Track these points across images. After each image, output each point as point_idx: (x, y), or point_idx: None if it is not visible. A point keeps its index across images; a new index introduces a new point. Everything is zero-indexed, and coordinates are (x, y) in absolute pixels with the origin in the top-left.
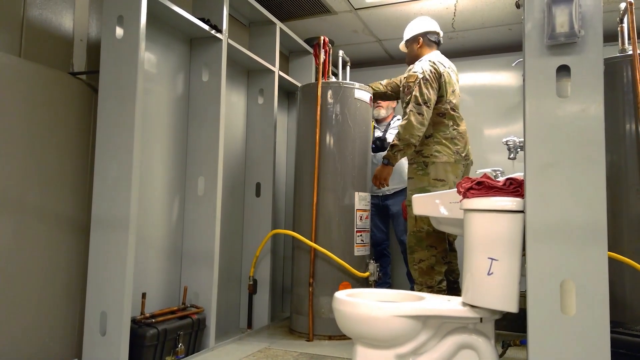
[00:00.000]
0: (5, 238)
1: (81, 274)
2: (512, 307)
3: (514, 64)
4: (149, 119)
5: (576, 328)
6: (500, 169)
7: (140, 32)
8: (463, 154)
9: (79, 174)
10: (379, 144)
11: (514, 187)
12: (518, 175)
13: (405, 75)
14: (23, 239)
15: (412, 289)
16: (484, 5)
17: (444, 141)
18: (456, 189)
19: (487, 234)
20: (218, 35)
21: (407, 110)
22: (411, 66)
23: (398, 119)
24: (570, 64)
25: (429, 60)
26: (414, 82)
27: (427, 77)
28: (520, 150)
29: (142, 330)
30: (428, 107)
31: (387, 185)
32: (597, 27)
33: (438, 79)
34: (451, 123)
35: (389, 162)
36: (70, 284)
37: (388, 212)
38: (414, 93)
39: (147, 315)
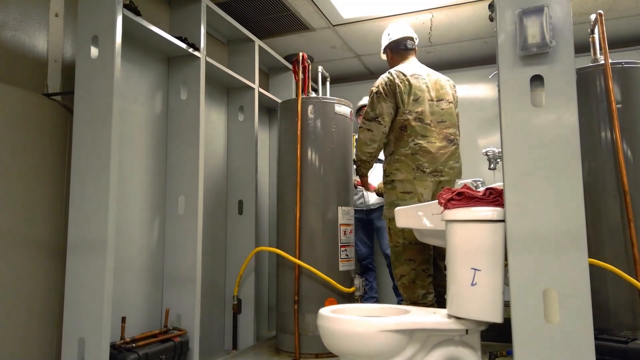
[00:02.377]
0: None
1: (58, 300)
2: (497, 318)
3: (490, 76)
4: (127, 139)
5: (561, 336)
6: (481, 180)
7: (116, 52)
8: (428, 170)
9: (55, 197)
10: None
11: (494, 197)
12: (498, 185)
13: None
14: None
15: (399, 302)
16: (459, 20)
17: (402, 158)
18: (437, 200)
19: (469, 244)
20: (196, 53)
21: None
22: None
23: None
24: (544, 73)
25: (388, 72)
26: (370, 97)
27: (381, 90)
28: (500, 160)
29: (122, 355)
30: (379, 122)
31: (372, 189)
32: (568, 37)
33: (393, 92)
34: (412, 138)
35: (360, 172)
36: (47, 311)
37: (372, 226)
38: (367, 109)
39: (128, 339)
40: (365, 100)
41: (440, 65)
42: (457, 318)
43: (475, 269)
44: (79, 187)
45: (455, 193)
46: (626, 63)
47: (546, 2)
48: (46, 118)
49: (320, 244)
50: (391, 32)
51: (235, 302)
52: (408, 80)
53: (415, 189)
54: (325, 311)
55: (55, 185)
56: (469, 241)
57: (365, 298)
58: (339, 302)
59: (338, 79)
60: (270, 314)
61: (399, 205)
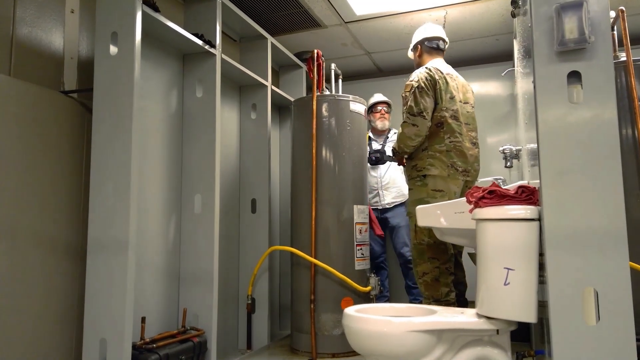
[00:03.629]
0: None
1: (77, 300)
2: (531, 317)
3: (503, 74)
4: (143, 137)
5: (601, 336)
6: (502, 178)
7: (136, 49)
8: (460, 169)
9: (72, 195)
10: (379, 156)
11: (527, 195)
12: (526, 183)
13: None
14: (16, 265)
15: (411, 302)
16: (472, 17)
17: (437, 154)
18: (465, 199)
19: (502, 243)
20: (212, 50)
21: (403, 121)
22: (409, 78)
23: (395, 132)
24: (581, 69)
25: (425, 68)
26: (409, 91)
27: (422, 85)
28: (516, 158)
29: (143, 356)
30: (423, 117)
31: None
32: (606, 33)
33: (434, 87)
34: (447, 135)
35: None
36: (65, 311)
37: (387, 225)
38: (409, 103)
39: (147, 340)
40: (376, 97)
41: (452, 63)
42: (488, 318)
43: (508, 269)
44: (99, 185)
45: (486, 191)
46: None
47: None
48: (64, 116)
49: (336, 242)
50: (427, 29)
51: (250, 302)
52: (445, 78)
53: (448, 187)
54: (351, 311)
55: (72, 183)
56: (502, 240)
57: (377, 297)
58: (355, 302)
59: (347, 77)
60: (282, 313)
61: (429, 203)
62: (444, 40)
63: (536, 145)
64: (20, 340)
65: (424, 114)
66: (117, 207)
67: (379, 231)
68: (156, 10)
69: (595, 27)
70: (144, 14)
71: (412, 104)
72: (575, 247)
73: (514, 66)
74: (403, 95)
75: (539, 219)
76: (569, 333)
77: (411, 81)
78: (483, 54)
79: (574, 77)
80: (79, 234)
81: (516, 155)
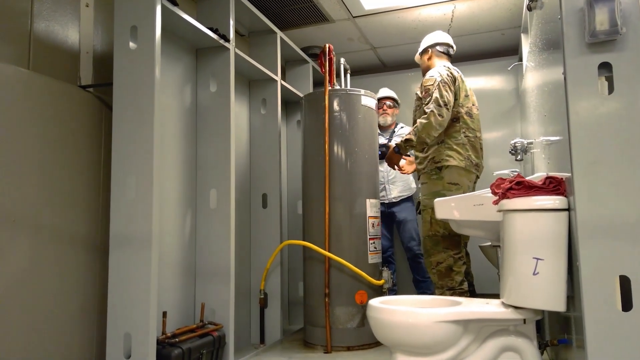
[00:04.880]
0: (21, 259)
1: (99, 295)
2: (560, 306)
3: (510, 68)
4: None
5: (634, 325)
6: (517, 170)
7: (156, 43)
8: (474, 162)
9: (91, 190)
10: (385, 151)
11: (554, 186)
12: (546, 174)
13: (422, 83)
14: (38, 260)
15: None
16: (480, 11)
17: (454, 147)
18: (484, 191)
19: (531, 233)
20: (226, 44)
21: (428, 110)
22: (427, 74)
23: (402, 127)
24: (612, 60)
25: (444, 66)
26: (432, 84)
27: (445, 80)
28: (526, 152)
29: (167, 350)
30: (447, 109)
31: (401, 170)
32: (637, 24)
33: (453, 83)
34: (463, 129)
35: (399, 151)
36: (87, 307)
37: (394, 219)
38: (434, 95)
39: (169, 334)
40: (382, 92)
41: (457, 57)
42: (516, 308)
43: (537, 258)
44: (120, 181)
45: (514, 182)
46: None
47: None
48: (82, 110)
49: (349, 236)
50: (438, 35)
51: (262, 296)
52: (461, 77)
53: (462, 180)
54: (376, 302)
55: (92, 178)
56: (531, 231)
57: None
58: (369, 295)
59: (352, 72)
60: (291, 307)
61: (444, 196)
62: (452, 47)
63: (560, 137)
64: (42, 335)
65: (448, 106)
66: (140, 202)
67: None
68: (175, 4)
69: (627, 18)
70: (163, 7)
71: (438, 96)
72: (607, 237)
73: (520, 60)
74: (422, 90)
75: (568, 209)
76: (603, 322)
77: (432, 76)
78: (488, 49)
79: (605, 68)
80: (98, 229)
81: (526, 148)
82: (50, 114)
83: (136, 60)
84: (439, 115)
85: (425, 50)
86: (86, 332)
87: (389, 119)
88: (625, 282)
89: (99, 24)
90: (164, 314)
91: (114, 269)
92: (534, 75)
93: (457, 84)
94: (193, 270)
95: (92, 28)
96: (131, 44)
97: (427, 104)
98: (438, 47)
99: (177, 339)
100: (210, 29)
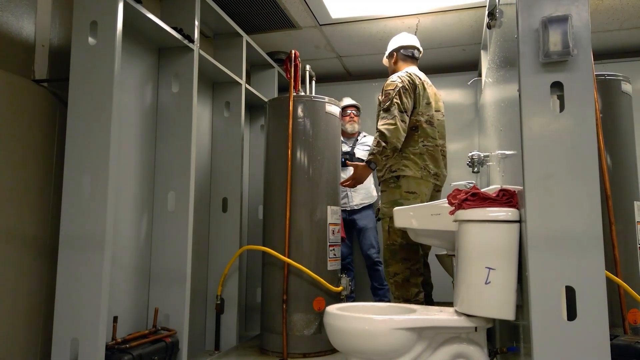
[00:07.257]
0: None
1: (45, 298)
2: (510, 315)
3: (469, 82)
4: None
5: (578, 334)
6: (473, 182)
7: (117, 40)
8: (432, 172)
9: (42, 189)
10: (348, 158)
11: (507, 198)
12: (494, 187)
13: (383, 87)
14: None
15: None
16: (443, 26)
17: (411, 156)
18: (441, 201)
19: (484, 243)
20: (190, 45)
21: (390, 116)
22: (389, 79)
23: (364, 136)
24: (564, 80)
25: (405, 71)
26: (393, 89)
27: (407, 86)
28: (483, 165)
29: (116, 356)
30: (407, 115)
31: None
32: (586, 46)
33: (414, 90)
34: (422, 138)
35: (375, 165)
36: (32, 310)
37: (354, 227)
38: (395, 100)
39: (119, 340)
40: (346, 101)
41: (421, 70)
42: (468, 316)
43: (489, 268)
44: (74, 179)
45: (469, 194)
46: (608, 75)
47: (568, 11)
48: (36, 106)
49: (309, 243)
50: (402, 38)
51: (219, 302)
52: (423, 84)
53: (420, 189)
54: (333, 309)
55: (42, 176)
56: (484, 241)
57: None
58: (327, 302)
59: (317, 79)
60: (248, 313)
61: (402, 204)
62: (418, 50)
63: (514, 151)
64: None
65: (407, 113)
66: (93, 203)
67: (342, 234)
68: (138, 1)
69: (578, 41)
70: (125, 4)
71: (399, 102)
72: (555, 248)
73: (479, 76)
74: (383, 94)
75: (519, 221)
76: (549, 330)
77: (394, 81)
78: (449, 63)
79: (557, 87)
80: (47, 230)
81: (483, 161)
82: (1, 108)
83: (95, 57)
84: (402, 121)
85: (390, 54)
86: (30, 337)
87: (356, 126)
88: (570, 292)
89: (57, 16)
90: (115, 318)
91: (62, 271)
92: (492, 91)
93: (417, 91)
94: (147, 274)
95: (49, 20)
96: (90, 40)
97: (386, 108)
98: (402, 51)
99: (127, 345)
100: (175, 28)
